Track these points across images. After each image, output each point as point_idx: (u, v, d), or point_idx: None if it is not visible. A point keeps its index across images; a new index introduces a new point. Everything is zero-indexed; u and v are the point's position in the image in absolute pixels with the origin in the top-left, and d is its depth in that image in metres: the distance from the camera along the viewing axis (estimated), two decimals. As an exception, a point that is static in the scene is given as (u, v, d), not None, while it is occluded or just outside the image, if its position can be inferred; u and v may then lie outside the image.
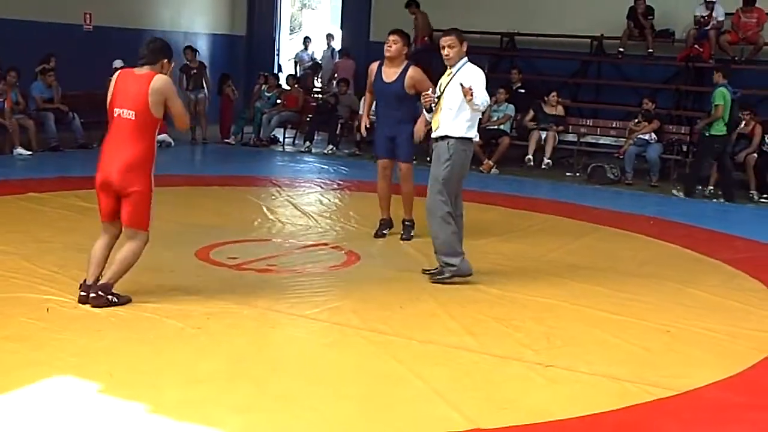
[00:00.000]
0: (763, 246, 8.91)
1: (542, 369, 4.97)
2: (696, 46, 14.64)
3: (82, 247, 7.05)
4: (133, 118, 5.77)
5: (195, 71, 16.11)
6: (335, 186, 11.64)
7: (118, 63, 14.97)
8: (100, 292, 5.73)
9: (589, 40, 15.81)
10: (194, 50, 16.46)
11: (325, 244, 8.00)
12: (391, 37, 8.10)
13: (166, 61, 6.04)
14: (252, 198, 10.20)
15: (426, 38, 16.55)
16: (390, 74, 8.09)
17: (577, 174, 13.71)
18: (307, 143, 15.54)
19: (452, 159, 6.66)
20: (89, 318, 5.50)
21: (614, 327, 5.87)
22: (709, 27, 14.53)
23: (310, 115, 16.19)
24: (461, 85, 6.54)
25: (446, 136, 6.70)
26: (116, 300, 5.78)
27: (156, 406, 4.23)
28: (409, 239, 8.24)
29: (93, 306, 5.71)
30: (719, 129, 11.85)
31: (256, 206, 9.65)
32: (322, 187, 11.48)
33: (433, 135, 6.84)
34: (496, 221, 9.25)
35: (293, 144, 16.38)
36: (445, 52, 6.76)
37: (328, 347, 5.33)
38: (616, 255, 8.18)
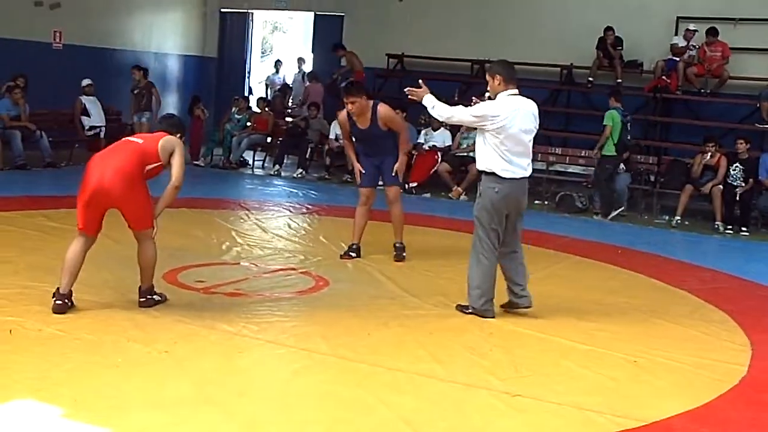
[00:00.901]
0: (729, 277, 8.99)
1: (509, 398, 4.96)
2: (664, 77, 14.83)
3: (48, 268, 7.02)
4: (141, 143, 6.28)
5: (138, 91, 15.56)
6: (304, 210, 11.62)
7: (86, 82, 14.99)
8: (147, 296, 6.32)
9: (558, 69, 15.96)
10: (141, 69, 15.81)
11: (294, 269, 7.97)
12: (349, 100, 8.18)
13: (179, 135, 6.51)
14: (220, 221, 10.15)
15: (362, 73, 16.58)
16: (363, 121, 8.26)
17: (546, 202, 13.78)
18: (277, 167, 15.53)
19: (482, 196, 6.58)
20: (53, 340, 5.43)
21: (581, 357, 5.88)
22: (685, 56, 14.72)
23: (280, 139, 16.18)
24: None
25: (480, 171, 6.65)
26: (160, 298, 6.40)
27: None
28: (401, 260, 8.44)
29: (142, 306, 6.25)
30: (609, 150, 12.72)
31: (225, 229, 9.60)
32: (291, 211, 11.45)
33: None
34: (465, 249, 9.23)
35: (263, 167, 16.36)
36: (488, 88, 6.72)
37: (295, 373, 5.29)
38: (583, 284, 8.21)
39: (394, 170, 8.34)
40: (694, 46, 14.82)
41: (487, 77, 6.66)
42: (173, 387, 4.85)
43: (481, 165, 6.59)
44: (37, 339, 5.44)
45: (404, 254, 8.50)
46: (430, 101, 6.69)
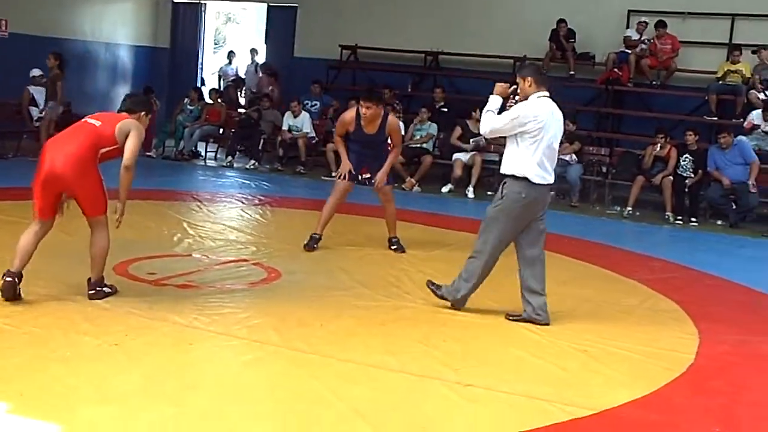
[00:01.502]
0: (678, 267, 9.10)
1: (461, 388, 4.98)
2: (615, 69, 14.98)
3: (-5, 261, 6.90)
4: (98, 125, 6.23)
5: (46, 80, 14.62)
6: (257, 201, 11.56)
7: (36, 72, 14.74)
8: (97, 288, 6.24)
9: (512, 61, 16.03)
10: (57, 56, 14.43)
11: (246, 260, 7.92)
12: (366, 104, 8.29)
13: (143, 113, 6.50)
14: (172, 212, 10.06)
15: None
16: (371, 127, 8.38)
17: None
18: (229, 158, 15.44)
19: (504, 199, 6.40)
20: (1, 334, 5.34)
21: (533, 346, 5.92)
22: (637, 49, 14.87)
23: (233, 130, 16.09)
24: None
25: (503, 174, 6.46)
26: (110, 290, 6.34)
27: (68, 426, 4.13)
28: (404, 251, 8.68)
29: (92, 299, 6.17)
30: None
31: (177, 221, 9.52)
32: (243, 203, 11.39)
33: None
34: (418, 239, 9.27)
35: (215, 158, 16.25)
36: (518, 91, 6.59)
37: (247, 365, 5.27)
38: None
39: (378, 178, 8.48)
40: (648, 40, 14.98)
41: (518, 79, 6.51)
42: (123, 380, 4.79)
43: (509, 169, 6.36)
44: (-17, 333, 5.35)
45: (402, 245, 8.76)
46: (491, 104, 6.51)
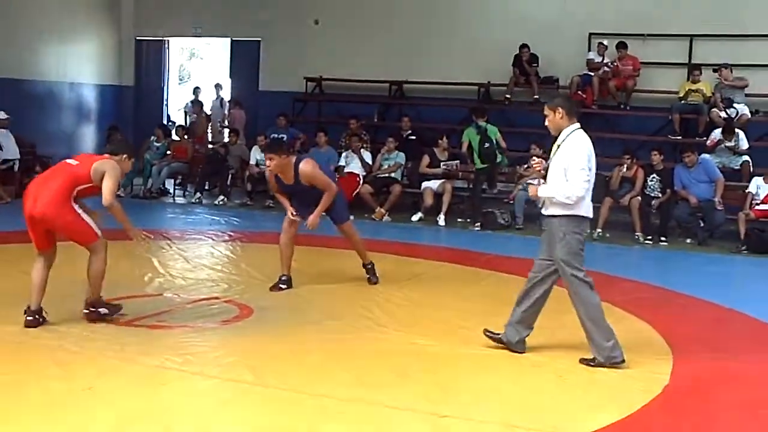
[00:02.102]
0: (649, 287, 9.15)
1: (437, 419, 4.96)
2: (579, 92, 15.10)
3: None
4: (75, 165, 6.63)
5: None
6: (227, 237, 11.52)
7: (0, 114, 14.64)
8: (91, 309, 6.63)
9: (476, 88, 16.13)
10: None
11: (217, 298, 7.88)
12: (266, 157, 8.23)
13: (125, 156, 6.86)
14: (142, 252, 9.98)
15: None
16: (287, 177, 8.15)
17: (468, 220, 13.87)
18: (198, 194, 15.38)
19: (566, 238, 6.16)
20: (-31, 383, 5.27)
21: (508, 373, 5.92)
22: (600, 72, 15.03)
23: (201, 166, 16.04)
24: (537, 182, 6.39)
25: (553, 215, 6.23)
26: (107, 312, 6.71)
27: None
28: (377, 281, 8.63)
29: (88, 321, 6.57)
30: (476, 163, 13.77)
31: (146, 260, 9.45)
32: (213, 239, 11.34)
33: (543, 211, 6.37)
34: (389, 269, 9.25)
35: (184, 195, 16.18)
36: (546, 123, 6.43)
37: (222, 404, 5.22)
38: (509, 300, 8.16)
39: (309, 223, 8.20)
40: (612, 63, 15.13)
41: (547, 111, 6.36)
42: (97, 425, 4.74)
43: (562, 209, 6.17)
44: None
45: (376, 274, 8.70)
46: (545, 192, 6.28)
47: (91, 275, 6.64)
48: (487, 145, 13.76)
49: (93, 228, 6.61)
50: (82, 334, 6.40)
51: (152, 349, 6.09)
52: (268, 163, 8.13)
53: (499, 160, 14.01)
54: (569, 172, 6.11)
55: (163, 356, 5.92)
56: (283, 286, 8.27)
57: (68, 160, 6.79)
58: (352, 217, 8.83)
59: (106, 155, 6.79)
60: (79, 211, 6.56)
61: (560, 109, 6.29)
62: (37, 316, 6.49)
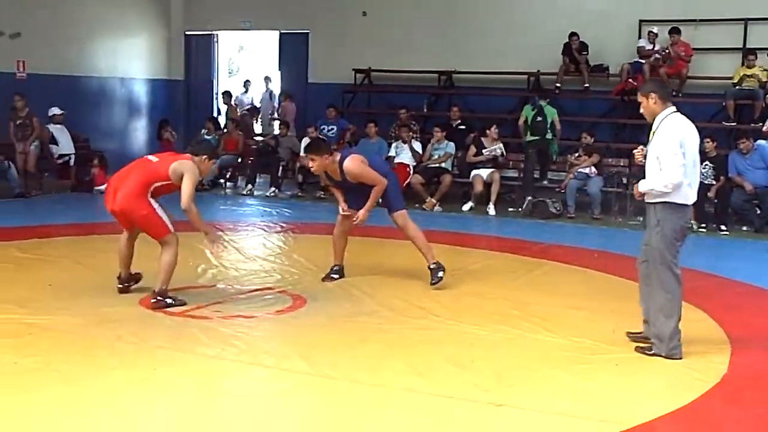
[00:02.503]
0: (704, 275, 9.02)
1: (493, 408, 4.95)
2: (630, 80, 14.94)
3: (21, 300, 6.96)
4: (154, 162, 7.05)
5: (21, 121, 14.39)
6: (278, 228, 11.58)
7: (55, 110, 14.88)
8: (158, 298, 6.90)
9: (526, 77, 16.03)
10: (22, 96, 14.50)
11: (271, 288, 7.92)
12: (308, 157, 7.99)
13: (206, 157, 7.13)
14: (195, 243, 10.05)
15: None
16: (335, 174, 8.00)
17: (520, 209, 13.81)
18: (249, 186, 15.48)
19: (660, 225, 6.04)
20: (29, 373, 5.36)
21: (563, 363, 5.88)
22: (651, 59, 14.85)
23: (251, 158, 16.14)
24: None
25: (649, 202, 6.11)
26: (173, 302, 6.93)
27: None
28: (438, 281, 7.95)
29: (154, 309, 6.81)
30: (527, 136, 14.42)
31: (200, 252, 9.52)
32: (265, 230, 11.41)
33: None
34: (441, 259, 9.23)
35: (235, 187, 16.30)
36: (641, 110, 6.29)
37: (277, 394, 5.26)
38: (561, 290, 8.22)
39: (359, 217, 8.01)
40: (664, 50, 14.92)
41: (640, 98, 6.23)
42: (154, 414, 4.81)
43: (657, 195, 6.02)
44: (11, 373, 5.36)
45: (441, 274, 7.98)
46: (645, 186, 6.09)
47: (162, 267, 6.94)
48: (539, 119, 14.25)
49: (166, 222, 6.95)
50: (139, 325, 6.47)
51: (208, 339, 6.15)
52: (310, 164, 7.94)
53: (549, 137, 14.27)
54: (662, 160, 5.95)
55: (218, 347, 5.98)
56: (335, 276, 8.28)
57: (149, 156, 7.21)
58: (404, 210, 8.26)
59: (187, 155, 7.05)
60: (155, 205, 6.91)
61: (653, 95, 6.14)
62: (126, 284, 7.31)
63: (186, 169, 6.86)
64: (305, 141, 15.16)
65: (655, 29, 15.05)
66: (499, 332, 6.58)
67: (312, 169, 8.10)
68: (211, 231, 7.31)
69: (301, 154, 15.14)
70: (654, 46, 14.99)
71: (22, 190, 13.79)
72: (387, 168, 8.60)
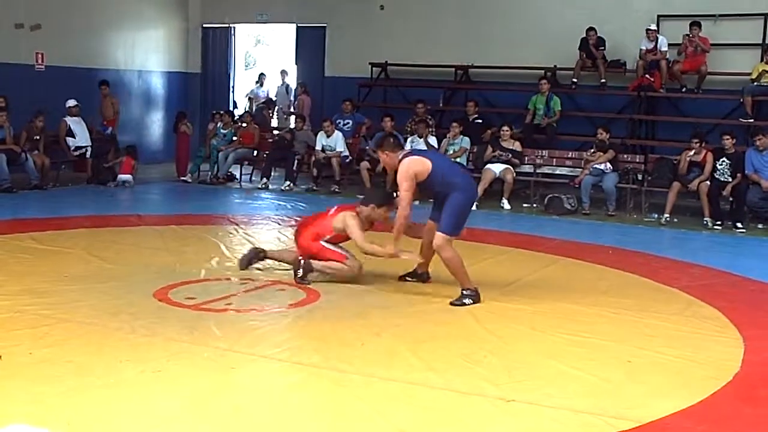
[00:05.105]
0: (718, 273, 9.01)
1: (504, 404, 4.96)
2: (647, 76, 14.88)
3: (37, 291, 7.01)
4: (326, 217, 7.98)
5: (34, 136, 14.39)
6: (293, 222, 11.55)
7: (71, 102, 14.96)
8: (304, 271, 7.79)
9: (542, 72, 15.99)
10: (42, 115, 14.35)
11: (284, 282, 7.95)
12: (378, 154, 7.89)
13: (377, 207, 7.79)
14: (209, 236, 10.12)
15: None
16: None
17: (534, 205, 13.80)
18: (264, 180, 15.52)
19: None
20: (44, 364, 5.39)
21: (575, 358, 5.88)
22: (656, 58, 14.80)
23: (267, 152, 16.17)
24: None
25: None
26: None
27: (115, 454, 4.16)
28: (457, 305, 7.20)
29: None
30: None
31: (214, 245, 9.57)
32: (279, 224, 11.43)
33: None
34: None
35: (250, 181, 16.35)
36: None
37: (290, 387, 5.28)
38: (574, 286, 8.21)
39: (388, 249, 7.61)
40: (660, 49, 14.81)
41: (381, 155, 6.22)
42: (168, 406, 4.83)
43: None
44: (28, 363, 5.40)
45: (467, 302, 7.22)
46: None
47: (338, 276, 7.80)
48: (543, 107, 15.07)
49: (340, 253, 7.82)
50: (153, 318, 6.50)
51: (221, 332, 6.17)
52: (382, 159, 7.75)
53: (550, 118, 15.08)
54: None
55: (231, 340, 6.00)
56: (408, 279, 8.06)
57: (330, 211, 7.96)
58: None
59: (349, 207, 7.88)
60: (328, 246, 7.81)
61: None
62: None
63: (348, 218, 7.69)
64: (321, 135, 15.20)
65: (653, 26, 14.95)
66: (511, 328, 6.59)
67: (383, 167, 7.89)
68: (396, 253, 7.60)
69: (317, 146, 15.23)
70: (656, 44, 14.86)
71: (38, 182, 13.87)
72: (457, 177, 7.52)
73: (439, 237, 7.30)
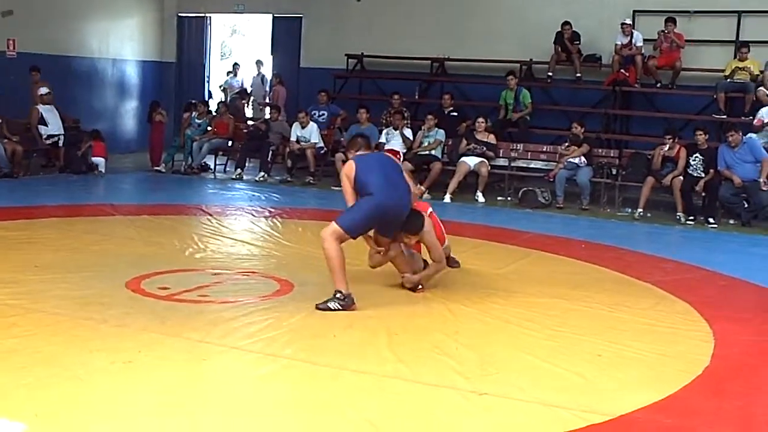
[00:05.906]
0: (690, 267, 9.06)
1: (476, 397, 4.96)
2: (622, 71, 14.94)
3: (5, 281, 6.96)
4: None
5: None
6: (267, 213, 11.56)
7: (43, 90, 14.81)
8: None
9: (518, 65, 16.01)
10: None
11: (258, 273, 7.92)
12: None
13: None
14: (183, 227, 10.08)
15: None
16: None
17: (508, 198, 13.83)
18: (239, 170, 15.46)
19: None
20: (12, 354, 5.33)
21: (546, 352, 5.89)
22: (631, 53, 14.86)
23: (242, 142, 16.11)
24: None
25: None
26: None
27: (83, 445, 4.13)
28: (322, 308, 6.72)
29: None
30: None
31: (187, 235, 9.52)
32: (253, 215, 11.39)
33: None
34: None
35: (224, 171, 16.28)
36: None
37: (261, 379, 5.25)
38: (547, 279, 8.23)
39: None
40: (635, 44, 14.86)
41: None
42: (137, 397, 4.79)
43: None
44: (-6, 354, 5.35)
45: (330, 305, 6.72)
46: None
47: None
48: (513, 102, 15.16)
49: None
50: (125, 308, 6.45)
51: (193, 323, 6.14)
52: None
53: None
54: None
55: (203, 331, 5.97)
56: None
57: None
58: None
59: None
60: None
61: None
62: None
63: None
64: (296, 126, 15.17)
65: (628, 21, 15.01)
66: (483, 321, 6.60)
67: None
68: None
69: (292, 137, 15.17)
70: (631, 39, 14.91)
71: (9, 171, 13.73)
72: (372, 187, 7.04)
73: (329, 227, 6.94)
